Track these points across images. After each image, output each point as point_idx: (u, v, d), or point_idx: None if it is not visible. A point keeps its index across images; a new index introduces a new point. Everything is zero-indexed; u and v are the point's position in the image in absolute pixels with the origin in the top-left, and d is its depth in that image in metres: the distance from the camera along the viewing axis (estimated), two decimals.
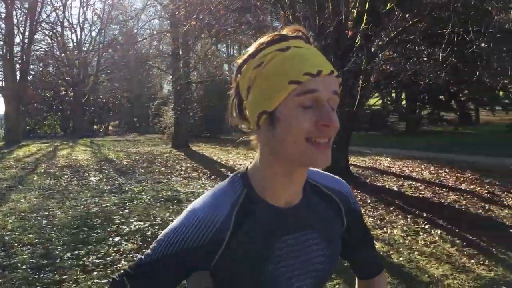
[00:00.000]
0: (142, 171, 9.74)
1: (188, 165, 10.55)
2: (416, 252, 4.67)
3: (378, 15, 7.95)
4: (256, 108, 0.87)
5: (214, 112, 20.83)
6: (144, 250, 3.96)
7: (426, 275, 4.16)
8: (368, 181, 8.20)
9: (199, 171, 9.57)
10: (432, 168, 9.67)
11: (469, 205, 6.51)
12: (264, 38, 0.89)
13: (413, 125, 25.56)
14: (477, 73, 8.01)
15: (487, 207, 6.41)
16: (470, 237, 5.16)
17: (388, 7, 8.10)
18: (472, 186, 7.75)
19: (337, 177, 1.08)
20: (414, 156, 12.36)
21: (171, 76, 19.04)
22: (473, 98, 25.66)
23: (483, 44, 8.03)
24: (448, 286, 3.97)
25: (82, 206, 6.66)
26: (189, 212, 0.90)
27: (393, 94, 30.61)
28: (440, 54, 6.71)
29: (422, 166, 9.95)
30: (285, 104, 0.83)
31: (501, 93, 28.26)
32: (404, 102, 29.52)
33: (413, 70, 8.25)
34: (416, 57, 8.41)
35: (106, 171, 9.75)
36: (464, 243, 4.95)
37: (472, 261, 4.54)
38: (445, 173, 9.00)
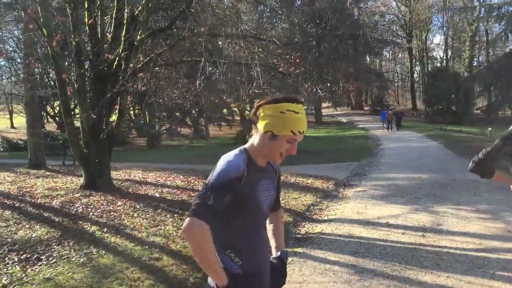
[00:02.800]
0: None
1: None
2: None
3: (132, 42, 8.85)
4: (269, 127, 1.91)
5: None
6: None
7: None
8: (130, 191, 9.02)
9: None
10: (181, 177, 11.08)
11: None
12: (287, 96, 1.96)
13: (153, 140, 27.16)
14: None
15: None
16: None
17: (139, 37, 9.07)
18: None
19: None
20: (162, 167, 13.67)
21: None
22: (203, 115, 28.81)
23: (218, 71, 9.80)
24: None
25: None
26: (228, 162, 1.85)
27: (131, 112, 31.88)
28: (198, 82, 8.10)
29: (173, 176, 11.29)
30: (283, 136, 1.90)
31: (225, 110, 32.59)
32: (139, 117, 31.16)
33: (164, 93, 9.48)
34: (166, 81, 9.67)
35: None
36: None
37: None
38: (194, 180, 10.52)
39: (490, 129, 24.15)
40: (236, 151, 1.96)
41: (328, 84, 9.56)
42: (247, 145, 2.00)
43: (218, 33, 9.06)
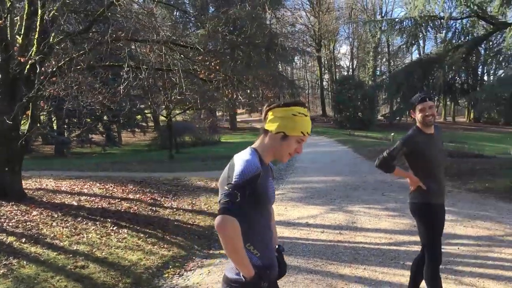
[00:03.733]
0: None
1: None
2: (113, 247, 5.75)
3: (51, 46, 8.51)
4: (281, 128, 2.08)
5: None
6: None
7: (126, 261, 5.32)
8: (45, 199, 8.61)
9: None
10: (98, 184, 10.76)
11: (141, 209, 8.00)
12: (296, 101, 2.16)
13: (62, 147, 25.88)
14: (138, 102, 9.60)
15: (154, 209, 8.05)
16: (150, 231, 6.60)
17: (55, 40, 8.73)
18: (137, 195, 9.31)
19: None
20: (76, 176, 13.16)
21: None
22: (117, 121, 28.01)
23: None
24: (144, 265, 5.24)
25: None
26: (247, 161, 1.97)
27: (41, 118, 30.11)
28: (121, 87, 7.96)
29: (89, 184, 10.92)
30: (293, 136, 2.08)
31: (138, 116, 31.94)
32: (45, 123, 29.54)
33: (80, 99, 9.20)
34: (83, 86, 9.37)
35: None
36: (147, 236, 6.34)
37: (156, 246, 5.97)
38: (112, 187, 10.28)
39: (393, 134, 26.02)
40: (248, 150, 2.09)
41: (248, 91, 9.84)
42: (255, 145, 2.15)
43: (138, 38, 8.99)
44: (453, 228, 6.59)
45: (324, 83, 63.17)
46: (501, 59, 13.52)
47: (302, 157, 18.94)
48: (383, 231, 6.56)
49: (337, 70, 62.69)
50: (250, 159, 2.00)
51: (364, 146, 21.20)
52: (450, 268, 4.87)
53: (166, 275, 5.15)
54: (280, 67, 54.19)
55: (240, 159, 2.00)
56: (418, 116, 3.56)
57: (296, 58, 55.30)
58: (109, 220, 6.99)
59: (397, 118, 22.97)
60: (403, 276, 4.68)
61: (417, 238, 6.08)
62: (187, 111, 28.08)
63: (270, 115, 2.13)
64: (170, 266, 5.39)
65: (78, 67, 9.45)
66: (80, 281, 4.62)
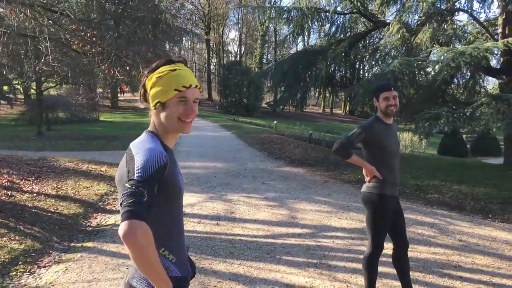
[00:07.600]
0: None
1: None
2: None
3: None
4: (155, 98, 1.72)
5: None
6: None
7: None
8: None
9: None
10: None
11: None
12: (161, 61, 1.76)
13: None
14: None
15: (9, 194, 7.05)
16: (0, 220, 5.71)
17: None
18: None
19: None
20: None
21: None
22: None
23: None
24: None
25: None
26: (150, 150, 1.60)
27: None
28: None
29: None
30: (171, 100, 1.69)
31: (5, 87, 28.84)
32: None
33: None
34: None
35: None
36: None
37: (5, 238, 5.15)
38: None
39: (275, 122, 26.57)
40: (146, 136, 1.73)
41: (128, 68, 9.07)
42: (151, 128, 1.79)
43: None
44: (329, 219, 6.64)
45: (212, 67, 62.79)
46: (378, 56, 14.25)
47: (186, 140, 18.48)
48: (261, 223, 6.39)
49: (225, 55, 62.62)
50: (153, 147, 1.63)
51: (247, 133, 21.26)
52: (325, 263, 4.81)
53: (14, 273, 4.42)
54: (167, 46, 52.68)
55: (141, 148, 1.63)
56: (381, 104, 3.47)
57: (184, 39, 54.13)
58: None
59: (281, 106, 23.48)
60: (279, 272, 4.51)
61: (294, 231, 6.06)
62: (64, 85, 25.94)
63: (148, 95, 1.79)
64: (20, 262, 4.65)
65: None
66: None
